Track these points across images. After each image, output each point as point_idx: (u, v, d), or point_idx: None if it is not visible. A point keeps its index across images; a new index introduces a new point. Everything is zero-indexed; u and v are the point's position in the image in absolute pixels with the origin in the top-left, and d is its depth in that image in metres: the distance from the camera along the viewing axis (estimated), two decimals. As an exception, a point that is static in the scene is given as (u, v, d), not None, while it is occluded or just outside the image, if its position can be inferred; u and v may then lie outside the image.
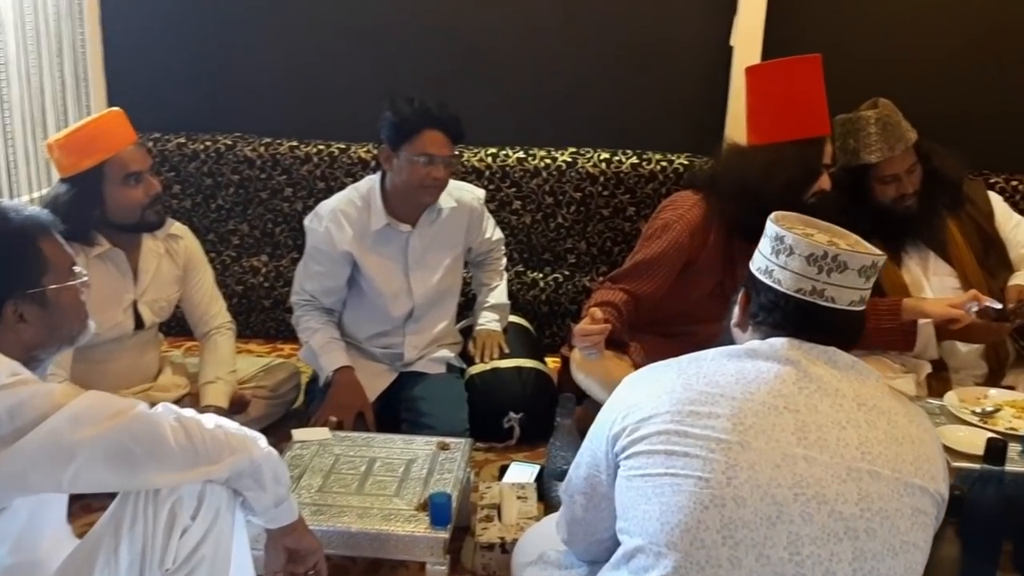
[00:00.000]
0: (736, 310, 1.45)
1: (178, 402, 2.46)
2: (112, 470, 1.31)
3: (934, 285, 2.71)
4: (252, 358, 2.84)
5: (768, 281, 1.37)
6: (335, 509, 1.88)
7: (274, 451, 1.47)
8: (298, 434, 2.19)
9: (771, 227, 1.38)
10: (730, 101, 3.11)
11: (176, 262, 2.49)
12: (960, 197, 2.73)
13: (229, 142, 3.27)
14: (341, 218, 2.53)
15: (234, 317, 2.65)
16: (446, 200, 2.59)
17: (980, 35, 3.09)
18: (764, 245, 1.40)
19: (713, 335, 2.65)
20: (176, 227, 2.50)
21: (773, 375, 1.29)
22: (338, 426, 2.35)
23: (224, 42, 3.30)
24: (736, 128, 3.04)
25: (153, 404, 2.35)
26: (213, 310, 2.57)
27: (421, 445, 2.16)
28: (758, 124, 2.57)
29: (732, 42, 3.04)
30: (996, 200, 2.81)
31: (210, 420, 1.41)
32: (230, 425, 1.44)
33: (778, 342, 1.33)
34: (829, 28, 3.10)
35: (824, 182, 2.51)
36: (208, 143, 3.27)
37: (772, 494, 1.20)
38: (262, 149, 3.25)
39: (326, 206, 2.57)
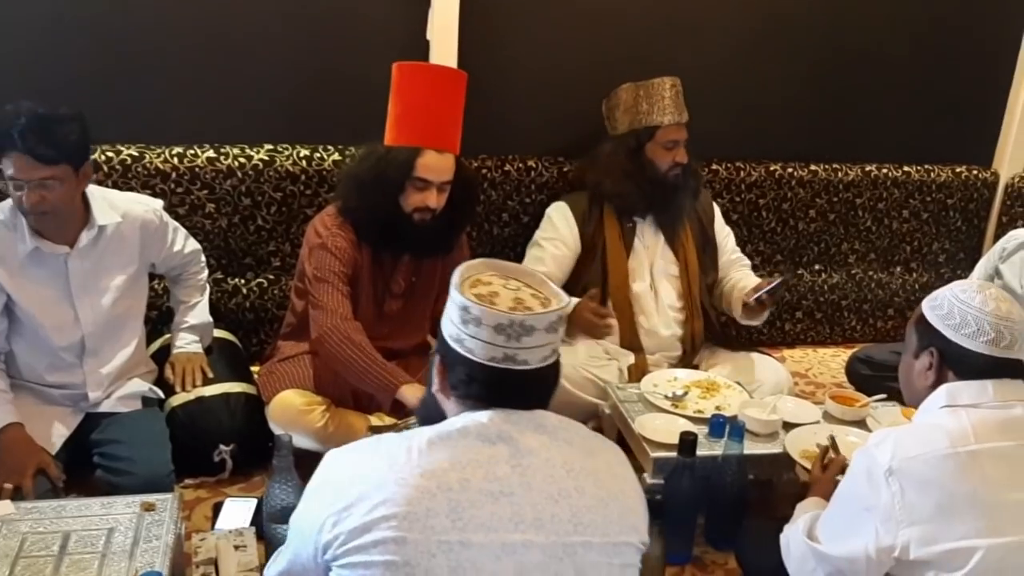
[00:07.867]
0: (436, 377, 1.41)
1: None
2: None
3: (656, 270, 2.96)
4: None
5: (461, 350, 1.33)
6: (26, 607, 1.65)
7: None
8: (-29, 514, 1.90)
9: (456, 295, 1.34)
10: (429, 96, 3.06)
11: None
12: (699, 187, 3.04)
13: None
14: None
15: None
16: (108, 216, 2.32)
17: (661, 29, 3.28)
18: (452, 311, 1.36)
19: (407, 348, 2.63)
20: None
21: (486, 458, 1.27)
22: (16, 492, 2.06)
23: None
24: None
25: None
26: None
27: (122, 508, 1.94)
28: (393, 125, 2.50)
29: (428, 36, 2.99)
30: (716, 208, 3.14)
31: None
32: None
33: (485, 417, 1.31)
34: (523, 24, 3.15)
35: (429, 199, 2.44)
36: None
37: None
38: None
39: None
